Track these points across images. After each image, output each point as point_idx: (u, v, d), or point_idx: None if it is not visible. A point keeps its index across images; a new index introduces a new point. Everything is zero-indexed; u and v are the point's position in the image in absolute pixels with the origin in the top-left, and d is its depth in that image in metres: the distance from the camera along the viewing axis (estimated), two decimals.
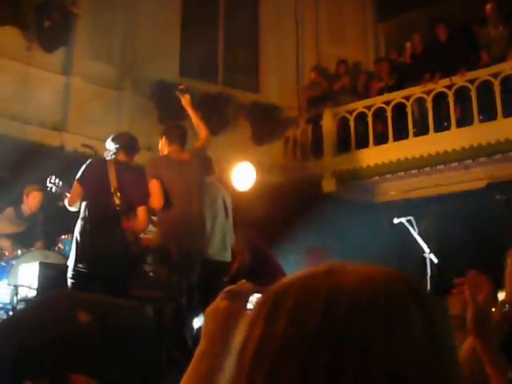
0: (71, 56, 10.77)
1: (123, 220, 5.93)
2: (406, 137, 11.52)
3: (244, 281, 1.48)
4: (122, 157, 6.20)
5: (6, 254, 7.56)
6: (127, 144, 6.27)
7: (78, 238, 5.97)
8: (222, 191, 7.11)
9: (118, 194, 5.91)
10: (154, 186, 6.17)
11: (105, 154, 6.30)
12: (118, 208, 5.90)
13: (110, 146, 6.28)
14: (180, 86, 6.92)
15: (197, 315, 6.70)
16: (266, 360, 0.82)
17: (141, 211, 5.99)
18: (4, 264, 7.37)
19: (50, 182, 6.63)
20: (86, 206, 5.99)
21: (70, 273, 5.97)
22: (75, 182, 6.11)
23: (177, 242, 6.14)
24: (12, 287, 7.05)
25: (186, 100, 6.80)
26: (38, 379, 2.85)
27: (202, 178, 6.55)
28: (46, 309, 3.12)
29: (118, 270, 5.86)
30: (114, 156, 6.19)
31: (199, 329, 6.88)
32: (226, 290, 1.43)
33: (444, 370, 0.83)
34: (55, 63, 10.66)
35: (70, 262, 5.98)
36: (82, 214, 6.01)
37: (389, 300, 0.84)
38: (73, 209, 6.12)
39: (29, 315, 3.10)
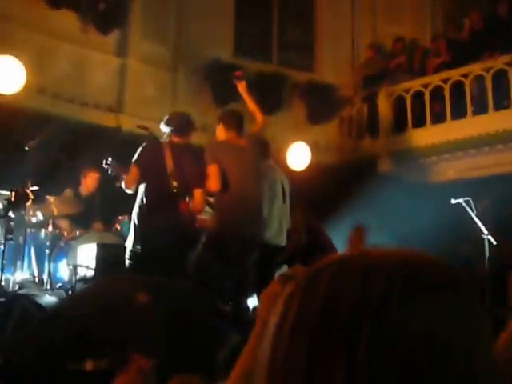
0: (126, 38, 10.83)
1: (180, 202, 5.96)
2: (464, 116, 11.29)
3: (298, 265, 1.48)
4: (177, 138, 6.22)
5: (65, 234, 7.67)
6: (182, 125, 6.29)
7: (136, 220, 6.03)
8: (281, 175, 7.08)
9: (175, 176, 5.94)
10: (213, 170, 6.16)
11: (161, 135, 6.34)
12: (174, 190, 5.93)
13: (165, 127, 6.30)
14: (236, 73, 6.89)
15: (251, 297, 6.73)
16: (305, 337, 0.82)
17: (197, 193, 6.02)
18: (63, 245, 7.48)
19: (105, 164, 6.68)
20: (143, 189, 6.04)
21: (127, 254, 6.04)
22: (132, 165, 6.16)
23: (232, 227, 6.15)
24: (71, 267, 7.16)
25: (242, 87, 6.78)
26: (100, 359, 2.88)
27: (259, 163, 6.53)
28: (107, 291, 3.15)
29: (174, 252, 5.90)
30: (169, 137, 6.21)
31: (254, 310, 6.91)
32: (280, 274, 1.43)
33: (478, 349, 0.81)
34: (110, 45, 10.73)
35: (128, 244, 6.04)
36: (139, 197, 6.06)
37: (426, 275, 0.84)
38: (130, 191, 6.17)
39: (90, 297, 3.13)
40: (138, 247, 5.98)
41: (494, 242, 8.55)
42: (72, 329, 2.81)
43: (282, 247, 6.99)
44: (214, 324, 4.79)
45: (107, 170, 6.74)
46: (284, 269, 7.80)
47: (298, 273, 1.40)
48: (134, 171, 6.12)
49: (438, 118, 11.67)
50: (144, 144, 6.28)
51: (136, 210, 6.07)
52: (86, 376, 2.68)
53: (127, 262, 6.03)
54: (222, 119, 6.61)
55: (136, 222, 6.03)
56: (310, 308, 0.83)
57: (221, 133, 6.55)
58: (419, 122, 11.86)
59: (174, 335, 2.92)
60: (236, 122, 6.54)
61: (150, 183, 6.05)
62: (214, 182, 6.15)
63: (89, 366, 2.71)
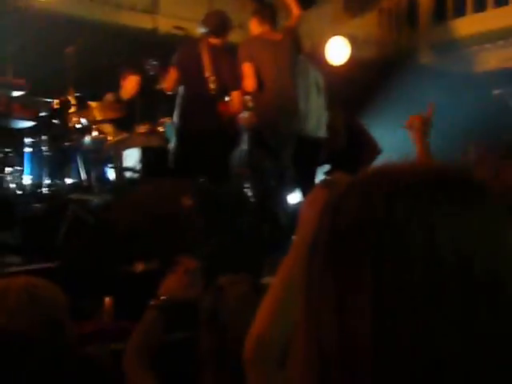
0: None
1: (218, 103, 6.01)
2: (507, 3, 10.93)
3: (340, 172, 1.50)
4: (214, 39, 6.20)
5: (110, 138, 7.76)
6: (218, 25, 6.25)
7: (177, 123, 6.11)
8: (313, 69, 7.03)
9: (213, 78, 5.96)
10: (247, 69, 6.15)
11: (198, 34, 6.32)
12: (212, 92, 5.97)
13: (202, 28, 6.27)
14: None
15: (292, 191, 6.82)
16: (336, 259, 0.84)
17: (235, 95, 6.05)
18: (108, 149, 7.59)
19: (148, 65, 6.70)
20: (182, 91, 6.08)
21: (171, 157, 6.16)
22: (171, 67, 6.18)
23: (271, 125, 6.18)
24: (118, 170, 7.31)
25: None
26: (149, 260, 3.01)
27: (295, 58, 6.48)
28: (153, 195, 3.25)
29: (216, 152, 5.99)
30: (206, 38, 6.19)
31: (298, 204, 7.03)
32: (321, 180, 1.45)
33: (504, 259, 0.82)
34: None
35: (172, 146, 6.15)
36: (178, 100, 6.13)
37: (450, 191, 0.84)
38: (170, 92, 6.22)
39: (138, 202, 3.23)
40: (181, 148, 6.08)
41: None
42: (123, 233, 2.93)
43: (323, 139, 7.01)
44: (263, 232, 4.92)
45: (149, 71, 6.76)
46: (326, 168, 7.86)
47: (340, 179, 1.45)
48: (172, 73, 6.17)
49: (480, 6, 11.32)
50: (182, 45, 6.27)
51: (176, 112, 6.15)
52: (138, 277, 2.82)
53: (171, 164, 6.15)
54: (256, 13, 6.54)
55: (177, 125, 6.11)
56: (339, 230, 0.85)
57: (254, 26, 6.49)
58: (460, 11, 11.53)
59: (219, 236, 3.03)
60: (270, 14, 6.48)
61: (188, 85, 6.09)
62: (249, 82, 6.15)
63: (139, 267, 2.85)
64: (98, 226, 3.48)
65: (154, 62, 6.70)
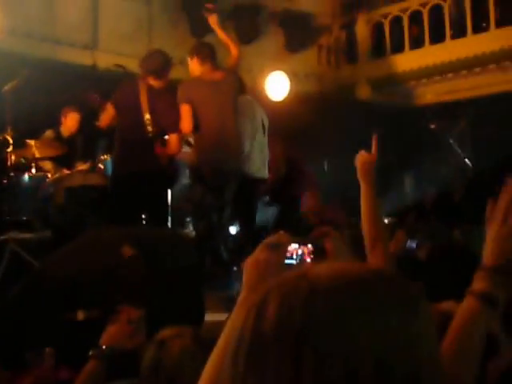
0: None
1: (156, 145, 5.99)
2: (443, 40, 11.25)
3: (282, 232, 1.51)
4: (153, 80, 6.18)
5: (49, 176, 7.68)
6: (157, 66, 6.23)
7: (114, 163, 6.11)
8: (260, 109, 7.08)
9: (150, 121, 5.94)
10: (184, 111, 6.17)
11: (138, 72, 6.31)
12: (150, 135, 5.95)
13: (141, 68, 6.27)
14: (207, 5, 6.77)
15: (232, 225, 6.86)
16: (258, 362, 0.87)
17: (172, 138, 6.03)
18: (48, 186, 7.50)
19: (89, 98, 6.66)
20: (118, 132, 6.07)
21: (110, 195, 6.13)
22: (108, 104, 6.17)
23: (211, 163, 6.19)
24: (57, 208, 7.22)
25: (213, 20, 6.67)
26: (91, 309, 2.97)
27: (235, 96, 6.50)
28: (94, 243, 3.21)
29: (152, 191, 5.96)
30: (145, 79, 6.18)
31: (237, 236, 7.08)
32: (265, 241, 1.46)
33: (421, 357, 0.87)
34: None
35: (109, 187, 6.14)
36: (116, 141, 6.11)
37: (366, 293, 0.88)
38: (105, 128, 6.21)
39: (77, 250, 3.19)
40: (118, 189, 6.06)
41: (471, 165, 8.69)
42: (64, 281, 2.89)
43: (265, 179, 7.06)
44: (204, 268, 4.91)
45: (90, 104, 6.71)
46: (266, 199, 7.92)
47: (282, 240, 1.47)
48: (109, 110, 6.14)
49: (417, 43, 11.62)
50: (121, 84, 6.26)
51: (113, 153, 6.15)
52: (79, 325, 2.77)
53: (109, 204, 6.12)
54: (196, 52, 6.51)
55: (113, 166, 6.11)
56: (260, 334, 0.88)
57: (195, 66, 6.47)
58: (398, 48, 11.82)
59: (162, 285, 3.01)
60: (209, 53, 6.47)
61: (124, 126, 6.07)
62: (185, 124, 6.16)
63: (81, 315, 2.81)
64: (39, 271, 3.42)
65: (95, 95, 6.66)
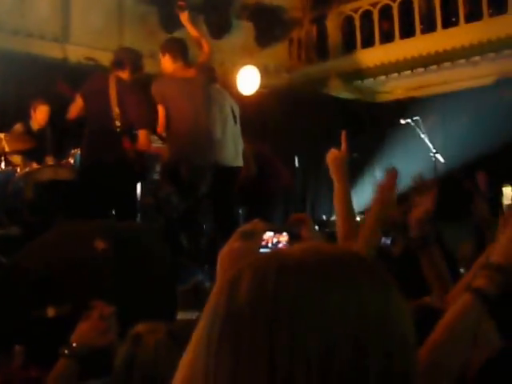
0: None
1: (124, 140, 5.95)
2: (413, 34, 11.33)
3: (257, 220, 1.50)
4: (124, 74, 6.14)
5: (18, 170, 7.59)
6: (128, 61, 6.19)
7: (81, 154, 6.07)
8: (229, 98, 7.07)
9: (118, 114, 5.90)
10: (159, 111, 6.19)
11: (108, 65, 6.27)
12: (118, 129, 5.91)
13: (113, 61, 6.22)
14: (179, 3, 6.73)
15: (206, 221, 6.85)
16: (230, 345, 0.88)
17: (141, 134, 5.97)
18: (17, 181, 7.42)
19: (59, 88, 6.59)
20: (87, 123, 6.03)
21: (77, 191, 6.10)
22: (77, 95, 6.12)
23: (185, 159, 6.18)
24: (27, 203, 7.15)
25: (184, 17, 6.64)
26: (61, 305, 2.95)
27: (207, 92, 6.49)
28: (64, 238, 3.19)
29: (120, 186, 5.93)
30: (116, 73, 6.14)
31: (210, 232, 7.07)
32: (239, 230, 1.45)
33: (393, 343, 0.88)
34: None
35: (78, 178, 6.11)
36: (85, 133, 6.06)
37: (336, 271, 0.89)
38: (73, 119, 6.17)
39: (47, 245, 3.17)
40: (85, 182, 6.03)
41: (443, 161, 8.73)
42: (33, 277, 2.87)
43: (240, 168, 7.04)
44: (175, 263, 4.90)
45: (60, 93, 6.64)
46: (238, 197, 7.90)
47: (256, 228, 1.46)
48: (78, 101, 6.08)
49: (387, 38, 11.69)
50: (91, 76, 6.22)
51: (82, 145, 6.10)
52: (49, 322, 2.76)
53: (78, 198, 6.09)
54: (167, 49, 6.47)
55: (81, 158, 6.07)
56: (233, 315, 0.89)
57: (167, 64, 6.44)
58: (368, 42, 11.87)
59: (133, 280, 2.99)
60: (181, 50, 6.44)
61: (93, 118, 6.02)
62: (159, 124, 6.21)
63: (51, 312, 2.79)
64: (8, 271, 3.39)
65: (66, 85, 6.59)
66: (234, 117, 6.98)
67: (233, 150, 6.85)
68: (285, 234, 1.54)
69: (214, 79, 6.99)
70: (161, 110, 6.20)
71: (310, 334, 0.84)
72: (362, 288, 0.88)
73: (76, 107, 6.10)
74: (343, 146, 2.63)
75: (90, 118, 6.02)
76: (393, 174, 2.54)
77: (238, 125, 7.03)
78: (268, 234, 1.51)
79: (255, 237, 1.43)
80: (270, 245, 1.53)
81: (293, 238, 1.53)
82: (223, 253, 1.41)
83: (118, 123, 5.88)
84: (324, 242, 1.51)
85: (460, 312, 1.56)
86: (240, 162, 6.95)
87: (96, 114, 5.99)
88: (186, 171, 6.15)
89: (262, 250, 1.46)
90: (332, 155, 2.57)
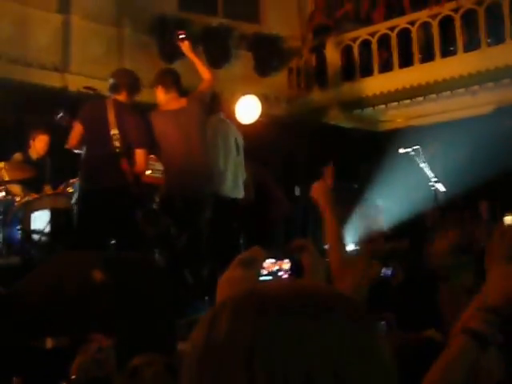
0: None
1: (123, 162, 5.92)
2: (412, 64, 11.37)
3: (257, 247, 1.47)
4: (122, 97, 6.14)
5: (18, 199, 7.58)
6: (127, 83, 6.20)
7: (80, 179, 6.05)
8: (233, 128, 7.07)
9: (118, 135, 5.89)
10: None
11: (108, 93, 6.26)
12: (117, 150, 5.89)
13: (110, 84, 6.22)
14: (179, 32, 6.77)
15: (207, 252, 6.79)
16: (210, 371, 0.86)
17: (139, 154, 5.96)
18: (16, 210, 7.40)
19: (58, 118, 6.58)
20: (86, 148, 6.00)
21: (76, 217, 6.06)
22: (75, 122, 6.11)
23: (179, 193, 6.18)
24: (25, 233, 7.11)
25: (185, 46, 6.69)
26: (59, 337, 2.90)
27: (201, 121, 6.48)
28: (62, 269, 3.15)
29: (120, 211, 5.89)
30: (113, 95, 6.13)
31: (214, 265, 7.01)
32: (238, 257, 1.42)
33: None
34: (52, 2, 10.46)
35: (75, 205, 6.08)
36: (82, 156, 6.03)
37: (312, 309, 0.88)
38: (76, 150, 6.13)
39: (45, 276, 3.13)
40: (85, 210, 5.99)
41: (443, 190, 8.72)
42: (31, 308, 2.83)
43: (239, 200, 7.03)
44: (175, 296, 4.85)
45: (60, 123, 6.62)
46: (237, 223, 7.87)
47: (256, 256, 1.43)
48: (77, 128, 6.07)
49: (386, 67, 11.73)
50: (89, 102, 6.22)
51: (80, 171, 6.08)
52: (48, 353, 2.71)
53: (76, 226, 6.05)
54: (159, 81, 6.52)
55: (80, 184, 6.04)
56: (212, 348, 0.87)
57: (161, 95, 6.48)
58: (367, 71, 11.91)
59: (132, 312, 2.96)
60: (173, 81, 6.47)
61: (92, 142, 6.01)
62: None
63: (49, 343, 2.74)
64: (6, 297, 3.35)
65: (65, 114, 6.56)
66: (238, 147, 6.98)
67: (232, 180, 6.85)
68: (287, 260, 1.50)
69: (217, 108, 6.99)
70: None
71: (288, 374, 0.82)
72: (342, 328, 0.86)
73: (76, 134, 6.08)
74: (327, 177, 2.61)
75: (88, 143, 6.00)
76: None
77: (242, 156, 7.03)
78: (268, 262, 1.47)
79: (254, 264, 1.40)
80: (271, 272, 1.49)
81: (295, 265, 1.50)
82: (222, 281, 1.39)
83: (116, 144, 5.87)
84: (326, 274, 1.49)
85: (455, 353, 1.55)
86: (240, 194, 6.95)
87: (95, 138, 5.98)
88: (180, 203, 6.15)
89: (262, 278, 1.42)
90: (316, 188, 2.54)
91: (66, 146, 6.22)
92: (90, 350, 2.38)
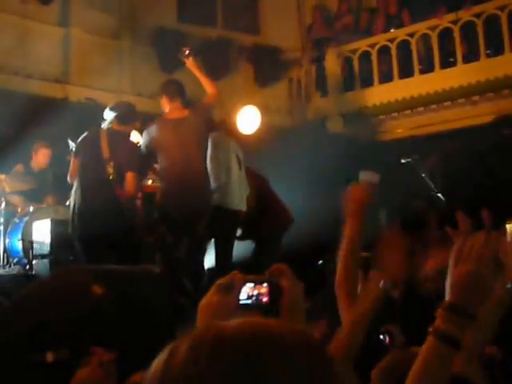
0: (68, 7, 10.60)
1: (117, 187, 5.98)
2: (412, 74, 11.41)
3: (235, 271, 1.48)
4: (116, 126, 6.22)
5: (19, 210, 7.62)
6: (122, 113, 6.29)
7: (72, 207, 6.06)
8: (233, 144, 7.12)
9: (111, 162, 5.95)
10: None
11: (102, 124, 6.33)
12: (110, 176, 5.94)
13: (107, 115, 6.32)
14: (183, 49, 6.82)
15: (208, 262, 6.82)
16: None
17: (129, 177, 6.01)
18: (17, 221, 7.43)
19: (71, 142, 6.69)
20: (79, 175, 6.07)
21: (74, 235, 6.09)
22: (72, 157, 6.21)
23: (175, 201, 6.22)
24: (26, 243, 7.14)
25: (190, 63, 6.76)
26: (59, 350, 2.90)
27: (201, 133, 6.53)
28: (62, 282, 3.15)
29: (114, 235, 5.89)
30: (110, 125, 6.23)
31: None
32: (217, 283, 1.43)
33: None
34: (52, 15, 10.52)
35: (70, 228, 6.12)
36: (76, 184, 6.08)
37: (268, 350, 0.90)
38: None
39: (45, 289, 3.13)
40: (78, 232, 6.04)
41: (443, 200, 8.71)
42: (31, 322, 2.83)
43: (242, 212, 7.07)
44: (177, 307, 4.86)
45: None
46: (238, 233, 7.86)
47: (235, 281, 1.43)
48: (74, 162, 6.19)
49: (386, 78, 11.76)
50: (83, 134, 6.29)
51: (72, 195, 6.11)
52: (48, 367, 2.71)
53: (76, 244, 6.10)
54: (164, 90, 6.64)
55: (73, 208, 6.07)
56: (169, 373, 0.91)
57: (165, 104, 6.59)
58: (367, 82, 11.94)
59: (133, 325, 2.96)
60: (177, 91, 6.56)
61: (85, 169, 6.08)
62: None
63: (49, 357, 2.74)
64: (6, 314, 3.35)
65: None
66: (239, 161, 7.03)
67: (238, 194, 6.90)
68: (265, 284, 1.50)
69: (215, 127, 7.05)
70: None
71: None
72: (298, 368, 0.87)
73: (74, 167, 6.19)
74: (371, 188, 2.51)
75: (82, 169, 6.08)
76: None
77: (243, 170, 7.08)
78: (248, 286, 1.48)
79: (233, 289, 1.41)
80: (250, 296, 1.49)
81: (273, 289, 1.50)
82: (202, 306, 1.40)
83: (110, 170, 5.92)
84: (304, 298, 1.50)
85: (425, 356, 1.54)
86: (244, 207, 6.99)
87: (88, 164, 6.07)
88: (176, 212, 6.20)
89: (242, 302, 1.44)
90: (355, 192, 2.43)
91: (68, 180, 6.29)
92: (90, 365, 2.37)
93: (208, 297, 1.41)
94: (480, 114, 10.78)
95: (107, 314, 2.79)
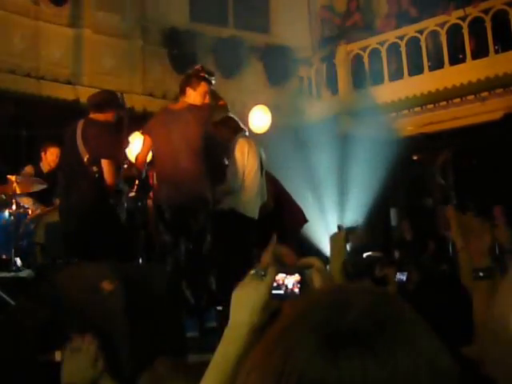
0: (80, 8, 10.66)
1: (93, 173, 5.92)
2: (421, 71, 11.40)
3: (269, 262, 1.48)
4: (93, 114, 6.16)
5: (30, 212, 7.63)
6: (96, 102, 6.23)
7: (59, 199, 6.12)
8: (255, 148, 6.87)
9: (84, 148, 5.91)
10: (142, 142, 6.30)
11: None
12: (86, 162, 5.88)
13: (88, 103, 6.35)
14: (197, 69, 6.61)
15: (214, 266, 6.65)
16: None
17: (104, 164, 5.89)
18: (28, 223, 7.46)
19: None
20: (60, 171, 6.12)
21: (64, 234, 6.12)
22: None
23: (167, 200, 6.08)
24: (38, 245, 7.18)
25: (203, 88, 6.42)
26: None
27: (197, 129, 6.25)
28: (73, 280, 3.20)
29: (91, 226, 5.84)
30: (90, 113, 6.22)
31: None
32: (251, 271, 1.44)
33: None
34: (64, 16, 10.58)
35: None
36: (61, 183, 6.14)
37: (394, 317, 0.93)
38: None
39: (55, 287, 3.18)
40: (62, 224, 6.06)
41: (455, 196, 8.74)
42: (40, 321, 2.88)
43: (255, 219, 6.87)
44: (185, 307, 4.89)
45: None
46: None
47: (270, 269, 1.45)
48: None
49: (396, 75, 11.76)
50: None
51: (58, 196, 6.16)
52: (57, 367, 2.75)
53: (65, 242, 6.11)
54: (180, 85, 6.49)
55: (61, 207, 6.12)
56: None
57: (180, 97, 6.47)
58: (378, 79, 11.93)
59: (142, 323, 3.00)
60: (187, 83, 6.43)
61: (65, 164, 6.14)
62: (139, 155, 6.30)
63: (59, 356, 2.78)
64: (15, 309, 3.40)
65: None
66: (261, 167, 6.81)
67: (254, 202, 6.69)
68: (297, 275, 1.52)
69: (238, 129, 6.83)
70: (144, 141, 6.30)
71: None
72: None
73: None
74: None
75: (63, 165, 6.12)
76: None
77: (264, 177, 6.86)
78: (280, 276, 1.50)
79: (267, 277, 1.42)
80: (280, 285, 1.51)
81: (304, 280, 1.52)
82: (235, 294, 1.40)
83: (86, 156, 5.89)
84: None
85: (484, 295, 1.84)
86: (256, 215, 6.74)
87: (66, 159, 6.11)
88: (166, 211, 6.08)
89: (274, 292, 1.45)
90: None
91: None
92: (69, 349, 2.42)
93: (241, 285, 1.42)
94: (489, 110, 10.76)
95: (118, 309, 2.85)
